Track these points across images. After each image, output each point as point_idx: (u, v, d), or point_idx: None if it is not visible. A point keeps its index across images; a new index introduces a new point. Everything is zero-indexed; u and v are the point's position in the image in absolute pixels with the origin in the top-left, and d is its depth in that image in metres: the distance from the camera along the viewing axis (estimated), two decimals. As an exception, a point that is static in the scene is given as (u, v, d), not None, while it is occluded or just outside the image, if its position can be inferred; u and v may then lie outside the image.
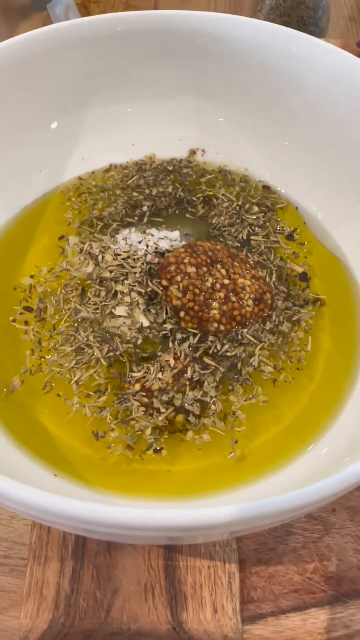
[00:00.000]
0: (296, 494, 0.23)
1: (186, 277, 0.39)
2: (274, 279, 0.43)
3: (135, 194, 0.48)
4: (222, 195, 0.48)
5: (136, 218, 0.47)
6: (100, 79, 0.47)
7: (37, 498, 0.23)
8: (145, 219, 0.46)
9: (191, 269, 0.39)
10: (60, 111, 0.47)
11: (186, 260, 0.40)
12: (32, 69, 0.43)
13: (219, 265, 0.41)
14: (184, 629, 0.33)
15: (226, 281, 0.40)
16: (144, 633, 0.33)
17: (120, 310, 0.40)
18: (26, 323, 0.41)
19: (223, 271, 0.40)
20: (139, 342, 0.39)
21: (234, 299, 0.40)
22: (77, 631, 0.33)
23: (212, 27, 0.43)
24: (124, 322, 0.40)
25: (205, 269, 0.40)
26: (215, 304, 0.39)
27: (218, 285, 0.39)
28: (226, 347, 0.39)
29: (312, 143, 0.47)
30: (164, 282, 0.40)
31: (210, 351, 0.39)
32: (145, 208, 0.47)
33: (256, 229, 0.46)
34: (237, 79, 0.47)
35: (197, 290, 0.39)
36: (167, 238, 0.43)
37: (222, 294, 0.39)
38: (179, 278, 0.39)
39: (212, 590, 0.34)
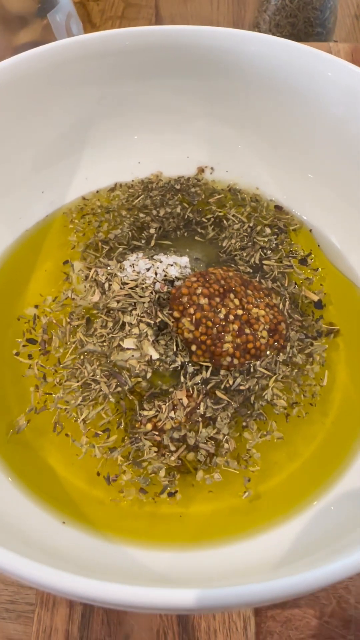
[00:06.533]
0: (315, 573, 0.22)
1: (199, 309, 0.37)
2: (287, 306, 0.41)
3: (141, 215, 0.46)
4: (233, 216, 0.46)
5: (143, 241, 0.45)
6: (106, 95, 0.45)
7: (34, 573, 0.22)
8: (153, 242, 0.45)
9: (204, 300, 0.38)
10: (63, 128, 0.45)
11: (199, 291, 0.38)
12: (34, 87, 0.41)
13: (232, 295, 0.39)
14: None
15: (240, 312, 0.38)
16: None
17: (129, 343, 0.38)
18: (30, 356, 0.39)
19: (236, 301, 0.39)
20: (149, 375, 0.38)
21: (248, 331, 0.38)
22: None
23: (225, 43, 0.41)
24: (133, 355, 0.38)
25: (218, 299, 0.38)
26: (228, 337, 0.37)
27: (231, 317, 0.38)
28: (239, 380, 0.37)
29: (327, 161, 0.44)
30: (176, 314, 0.38)
31: (222, 386, 0.37)
32: (152, 230, 0.45)
33: (268, 252, 0.44)
34: (248, 96, 0.44)
35: (210, 323, 0.37)
36: (177, 264, 0.41)
37: (235, 326, 0.38)
38: (191, 310, 0.37)
39: (227, 636, 0.33)
